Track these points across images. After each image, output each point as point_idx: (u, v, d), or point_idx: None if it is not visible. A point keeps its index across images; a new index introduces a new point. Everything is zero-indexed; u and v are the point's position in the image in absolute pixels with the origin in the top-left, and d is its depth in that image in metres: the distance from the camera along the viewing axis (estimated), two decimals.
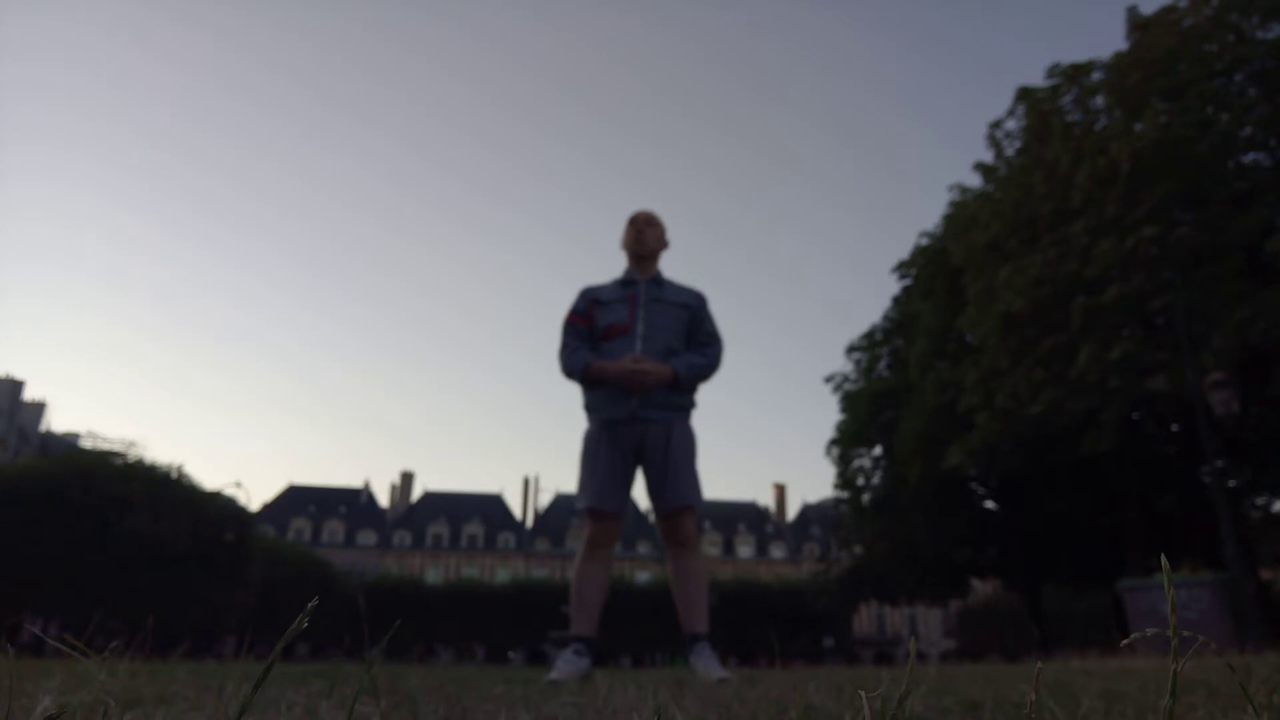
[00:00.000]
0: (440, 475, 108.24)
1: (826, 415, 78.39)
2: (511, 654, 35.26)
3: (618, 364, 3.30)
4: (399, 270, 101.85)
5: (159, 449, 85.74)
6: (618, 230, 3.64)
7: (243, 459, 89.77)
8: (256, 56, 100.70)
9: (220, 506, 14.47)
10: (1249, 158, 14.74)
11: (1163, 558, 0.61)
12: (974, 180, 20.29)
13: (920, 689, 1.60)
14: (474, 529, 57.62)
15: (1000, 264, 16.78)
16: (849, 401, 24.38)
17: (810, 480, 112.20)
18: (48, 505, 11.80)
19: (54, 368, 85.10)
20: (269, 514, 54.23)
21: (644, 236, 3.56)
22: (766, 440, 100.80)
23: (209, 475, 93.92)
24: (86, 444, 32.24)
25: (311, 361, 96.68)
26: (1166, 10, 15.31)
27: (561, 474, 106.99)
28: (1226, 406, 10.77)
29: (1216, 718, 1.07)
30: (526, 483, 60.36)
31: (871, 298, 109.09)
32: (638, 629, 31.18)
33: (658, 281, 3.54)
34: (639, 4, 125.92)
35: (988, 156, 19.44)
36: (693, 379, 3.40)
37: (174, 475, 13.61)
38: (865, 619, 52.13)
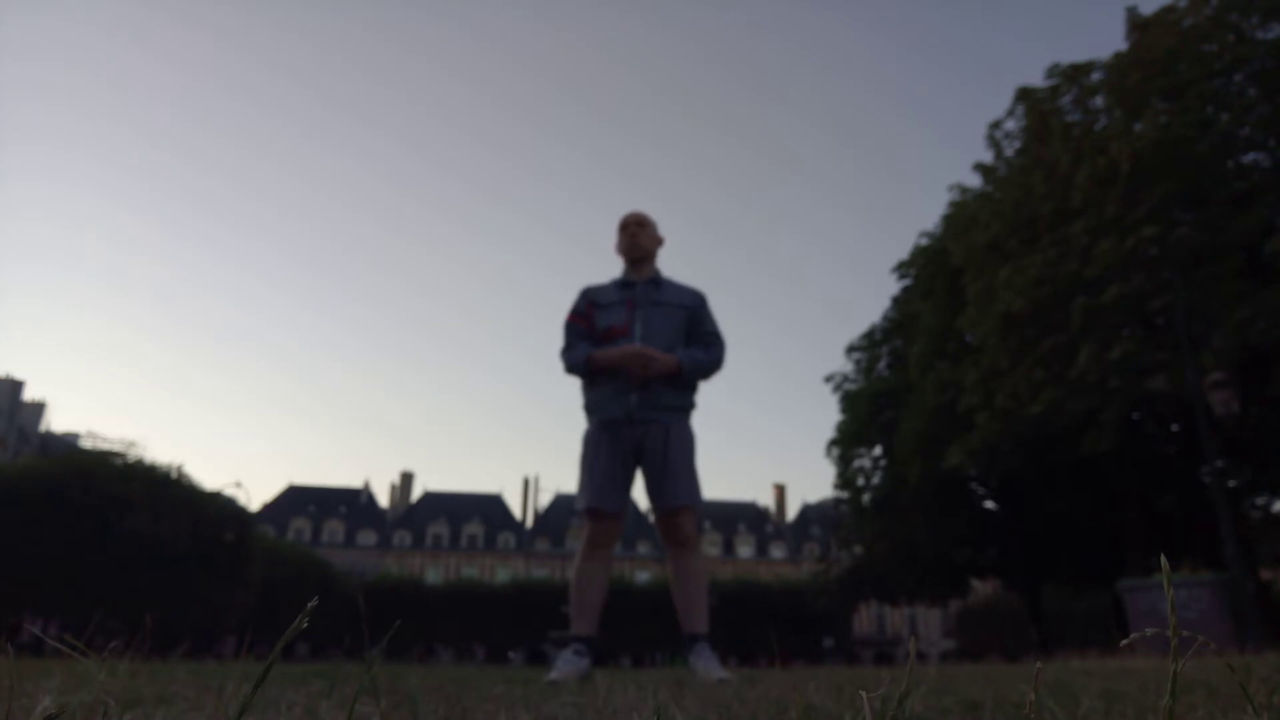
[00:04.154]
0: (440, 475, 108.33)
1: (826, 415, 78.42)
2: (511, 654, 35.26)
3: (620, 348, 3.30)
4: (399, 270, 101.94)
5: (159, 449, 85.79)
6: (616, 230, 3.64)
7: (243, 459, 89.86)
8: (256, 56, 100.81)
9: (220, 506, 14.47)
10: (1249, 158, 14.74)
11: (1162, 558, 0.61)
12: (974, 180, 20.31)
13: (920, 689, 1.59)
14: (474, 529, 57.61)
15: (1000, 264, 16.78)
16: (849, 401, 24.39)
17: (810, 480, 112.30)
18: (48, 505, 11.80)
19: (54, 368, 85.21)
20: (269, 514, 54.21)
21: (637, 240, 3.55)
22: (766, 440, 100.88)
23: (209, 475, 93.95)
24: (86, 444, 32.25)
25: (311, 361, 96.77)
26: (1166, 10, 15.30)
27: (561, 474, 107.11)
28: (1226, 406, 10.77)
29: (1216, 718, 1.07)
30: (526, 483, 60.41)
31: (871, 298, 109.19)
32: (638, 629, 31.18)
33: (655, 282, 3.53)
34: (639, 4, 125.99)
35: (988, 156, 19.45)
36: (696, 372, 3.40)
37: (174, 475, 13.60)
38: (865, 619, 52.12)
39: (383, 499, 63.00)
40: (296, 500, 58.05)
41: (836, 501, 25.64)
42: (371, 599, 32.62)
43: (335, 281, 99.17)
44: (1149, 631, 0.62)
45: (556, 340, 3.53)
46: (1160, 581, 8.67)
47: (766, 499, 74.56)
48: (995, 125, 18.70)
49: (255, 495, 69.36)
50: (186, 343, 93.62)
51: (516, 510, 60.80)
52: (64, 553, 11.69)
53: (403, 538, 56.87)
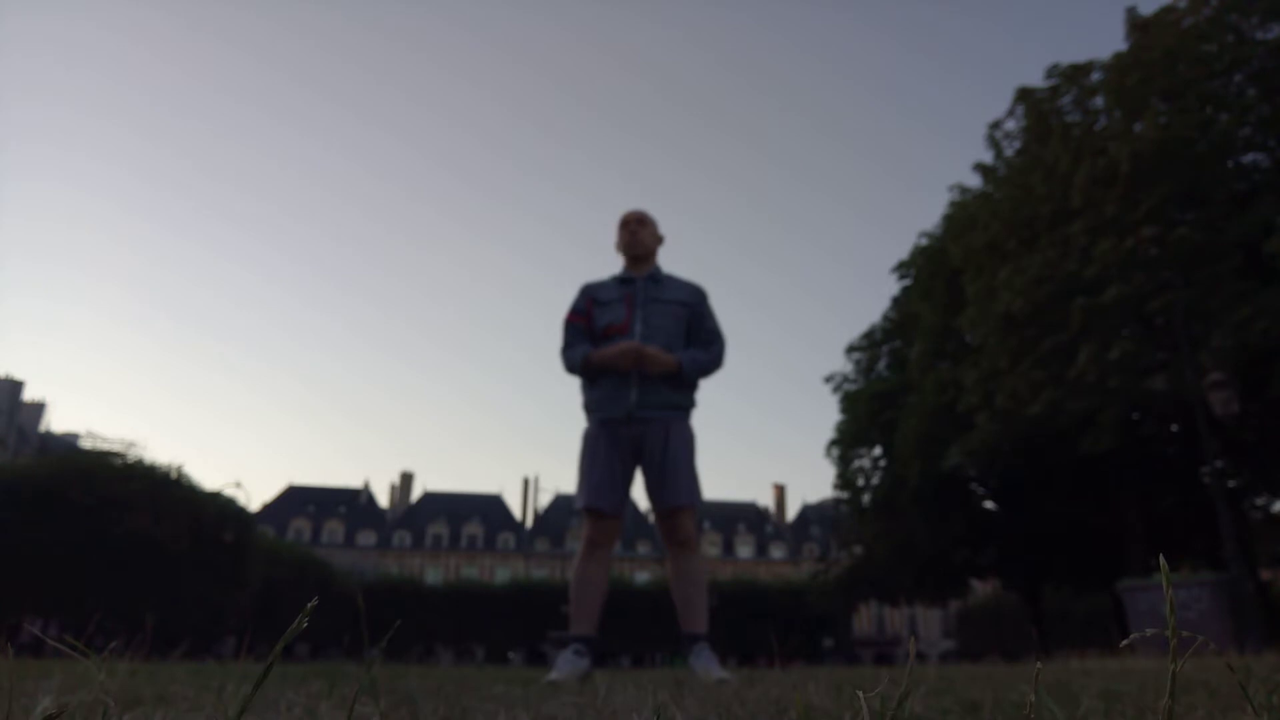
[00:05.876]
0: (440, 475, 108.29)
1: (826, 415, 78.37)
2: (511, 654, 35.26)
3: (617, 346, 3.30)
4: (399, 270, 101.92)
5: (159, 449, 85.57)
6: (617, 227, 3.64)
7: (243, 459, 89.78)
8: (256, 56, 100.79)
9: (220, 506, 14.48)
10: (1249, 158, 14.74)
11: (1162, 558, 0.61)
12: (974, 180, 20.32)
13: (920, 689, 1.59)
14: (474, 529, 57.60)
15: (1000, 264, 16.78)
16: (849, 401, 24.39)
17: (810, 480, 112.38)
18: (48, 505, 11.80)
19: (54, 368, 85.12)
20: (269, 514, 54.20)
21: (637, 236, 3.56)
22: (766, 440, 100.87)
23: (209, 475, 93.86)
24: (86, 444, 32.16)
25: (311, 361, 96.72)
26: (1166, 10, 15.29)
27: (561, 474, 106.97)
28: (1226, 406, 10.77)
29: (1216, 718, 1.07)
30: (526, 483, 60.40)
31: (871, 298, 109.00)
32: (638, 629, 31.19)
33: (655, 279, 3.53)
34: (639, 4, 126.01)
35: (988, 157, 19.45)
36: (696, 372, 3.41)
37: (174, 475, 13.61)
38: (865, 619, 52.12)
39: (383, 499, 63.03)
40: (296, 500, 58.02)
41: (836, 502, 25.66)
42: (371, 599, 32.62)
43: (335, 281, 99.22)
44: (1149, 631, 0.62)
45: (556, 339, 3.53)
46: (1160, 581, 8.65)
47: (766, 499, 74.63)
48: (995, 125, 18.69)
49: (255, 495, 69.33)
50: (186, 342, 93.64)
51: (516, 510, 60.85)
52: (64, 553, 11.69)
53: (402, 538, 56.85)
